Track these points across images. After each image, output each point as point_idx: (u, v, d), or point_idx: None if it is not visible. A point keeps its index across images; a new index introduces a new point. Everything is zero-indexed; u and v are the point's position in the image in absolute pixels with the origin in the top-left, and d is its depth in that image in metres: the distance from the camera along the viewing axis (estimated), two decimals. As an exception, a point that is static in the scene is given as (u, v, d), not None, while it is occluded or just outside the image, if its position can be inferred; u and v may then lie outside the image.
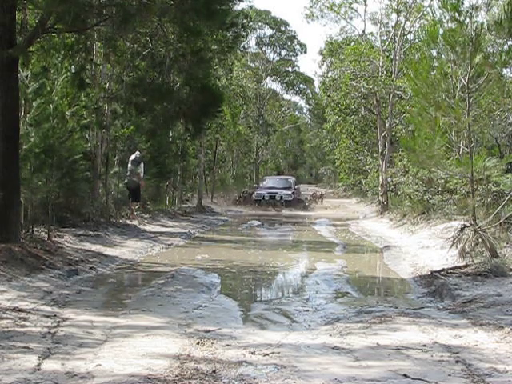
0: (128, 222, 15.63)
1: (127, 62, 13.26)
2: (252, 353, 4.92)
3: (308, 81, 51.24)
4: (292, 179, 31.99)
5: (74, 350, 4.88)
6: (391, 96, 23.02)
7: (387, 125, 23.58)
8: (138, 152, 16.65)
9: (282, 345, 5.20)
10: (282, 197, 28.02)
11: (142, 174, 16.66)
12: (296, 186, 30.56)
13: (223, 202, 28.43)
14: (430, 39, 9.70)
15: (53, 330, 5.41)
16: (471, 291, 7.43)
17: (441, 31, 9.47)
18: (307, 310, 6.87)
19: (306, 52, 55.47)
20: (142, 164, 16.72)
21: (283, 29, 46.91)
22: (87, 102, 13.75)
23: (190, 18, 9.95)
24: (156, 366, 4.43)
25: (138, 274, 9.55)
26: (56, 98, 10.70)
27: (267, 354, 4.88)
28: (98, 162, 15.38)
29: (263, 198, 28.01)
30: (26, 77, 10.43)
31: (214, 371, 4.39)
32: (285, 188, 29.16)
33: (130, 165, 16.47)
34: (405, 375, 4.37)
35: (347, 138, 32.64)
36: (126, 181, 16.49)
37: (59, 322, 5.76)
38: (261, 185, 31.23)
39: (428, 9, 22.34)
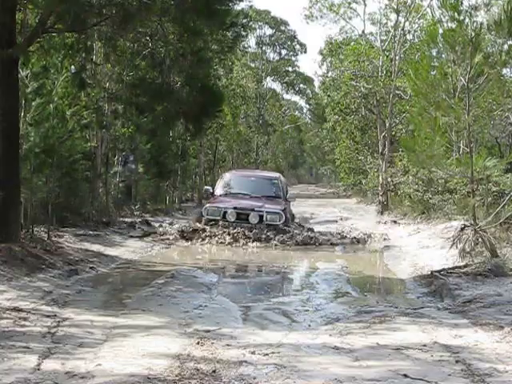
0: (128, 221, 15.62)
1: (127, 61, 13.31)
2: (252, 353, 4.92)
3: (308, 81, 51.27)
4: (281, 179, 16.55)
5: (74, 349, 4.88)
6: (391, 96, 23.01)
7: (387, 125, 23.57)
8: (124, 154, 17.20)
9: (282, 345, 5.20)
10: (261, 216, 13.87)
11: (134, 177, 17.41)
12: (289, 194, 16.03)
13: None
14: (429, 39, 9.71)
15: (53, 330, 5.41)
16: (471, 291, 7.43)
17: (440, 31, 9.47)
18: (307, 310, 6.87)
19: (305, 52, 55.54)
20: (131, 166, 17.29)
21: (283, 28, 46.98)
22: (87, 102, 13.78)
23: (190, 18, 9.97)
24: (156, 366, 4.43)
25: (138, 274, 9.54)
26: (56, 98, 10.70)
27: (267, 354, 4.88)
28: (98, 161, 15.38)
29: (223, 217, 13.86)
30: (26, 76, 10.43)
31: (214, 371, 4.39)
32: (268, 198, 14.85)
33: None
34: (405, 375, 4.37)
35: (347, 138, 32.60)
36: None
37: (59, 321, 5.76)
38: (218, 189, 15.59)
39: (427, 9, 22.39)
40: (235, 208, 14.01)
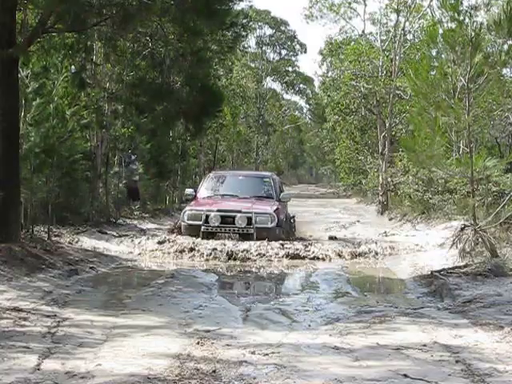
0: (128, 221, 15.65)
1: (127, 61, 13.33)
2: (252, 352, 4.91)
3: (308, 81, 51.30)
4: (273, 178, 14.54)
5: (74, 349, 4.88)
6: (391, 96, 23.03)
7: (387, 125, 23.59)
8: (129, 154, 17.24)
9: (282, 344, 5.20)
10: (249, 219, 12.07)
11: (135, 177, 17.33)
12: (284, 194, 13.96)
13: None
14: (429, 39, 9.72)
15: (53, 330, 5.42)
16: (471, 291, 7.43)
17: (440, 31, 9.48)
18: (307, 310, 6.86)
19: (305, 52, 55.57)
20: (132, 166, 17.28)
21: (283, 28, 47.05)
22: (87, 102, 13.80)
23: (190, 18, 9.99)
24: (156, 366, 4.43)
25: (138, 274, 9.54)
26: (56, 98, 10.71)
27: (267, 354, 4.88)
28: (98, 161, 15.39)
29: (206, 222, 12.08)
30: (26, 76, 10.44)
31: (214, 371, 4.39)
32: (258, 199, 13.29)
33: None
34: (405, 375, 4.37)
35: (347, 138, 32.63)
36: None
37: (59, 321, 5.76)
38: (201, 192, 13.81)
39: (428, 9, 22.42)
40: (219, 210, 12.24)
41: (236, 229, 12.02)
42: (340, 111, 30.35)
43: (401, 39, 23.65)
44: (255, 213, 12.22)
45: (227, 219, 12.12)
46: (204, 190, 13.79)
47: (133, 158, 17.54)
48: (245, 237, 11.88)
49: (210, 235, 11.93)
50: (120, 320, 5.99)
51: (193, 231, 12.03)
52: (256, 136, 42.73)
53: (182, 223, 12.48)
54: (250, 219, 12.09)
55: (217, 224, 12.06)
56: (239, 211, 12.20)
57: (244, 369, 4.52)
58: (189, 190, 14.09)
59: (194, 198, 13.43)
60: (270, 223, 12.20)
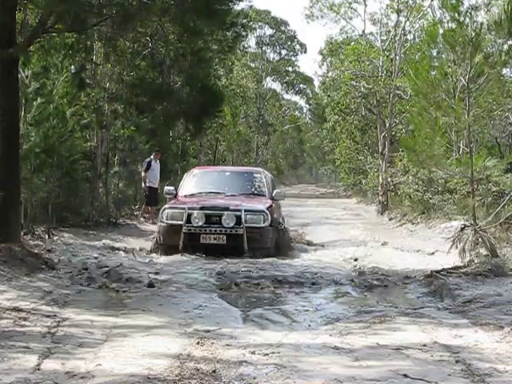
0: (128, 221, 15.67)
1: (127, 61, 13.34)
2: (252, 352, 4.91)
3: (308, 80, 51.34)
4: (265, 174, 12.85)
5: (74, 349, 4.88)
6: (391, 96, 23.02)
7: (387, 125, 23.59)
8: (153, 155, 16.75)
9: (282, 345, 5.20)
10: (238, 218, 10.56)
11: (147, 177, 16.71)
12: (276, 192, 12.15)
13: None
14: (430, 39, 9.73)
15: (53, 330, 5.41)
16: (471, 291, 7.43)
17: (441, 31, 9.50)
18: (307, 310, 6.86)
19: (305, 52, 55.61)
20: (145, 165, 16.75)
21: (283, 28, 47.13)
22: (87, 102, 13.82)
23: (190, 18, 9.99)
24: (156, 366, 4.43)
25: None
26: (56, 98, 10.74)
27: (267, 354, 4.88)
28: (98, 161, 15.40)
29: (188, 222, 10.57)
30: (27, 76, 10.44)
31: (214, 371, 4.39)
32: (248, 196, 11.71)
33: None
34: (405, 375, 4.37)
35: (347, 138, 32.62)
36: None
37: (59, 321, 5.76)
38: (183, 189, 12.10)
39: (428, 9, 22.44)
40: (203, 208, 10.70)
41: (223, 229, 10.53)
42: (340, 111, 30.35)
43: (401, 39, 23.65)
44: (245, 210, 10.66)
45: (212, 218, 10.63)
46: (186, 188, 12.05)
47: (151, 159, 16.80)
48: (233, 239, 10.53)
49: (192, 237, 10.56)
50: (120, 320, 5.99)
51: (173, 232, 10.58)
52: (256, 136, 42.76)
53: (161, 224, 10.87)
54: (239, 218, 10.54)
55: (200, 224, 10.56)
56: (226, 208, 10.66)
57: (244, 369, 4.52)
58: (168, 188, 12.18)
59: (175, 196, 11.77)
60: (262, 222, 10.67)
